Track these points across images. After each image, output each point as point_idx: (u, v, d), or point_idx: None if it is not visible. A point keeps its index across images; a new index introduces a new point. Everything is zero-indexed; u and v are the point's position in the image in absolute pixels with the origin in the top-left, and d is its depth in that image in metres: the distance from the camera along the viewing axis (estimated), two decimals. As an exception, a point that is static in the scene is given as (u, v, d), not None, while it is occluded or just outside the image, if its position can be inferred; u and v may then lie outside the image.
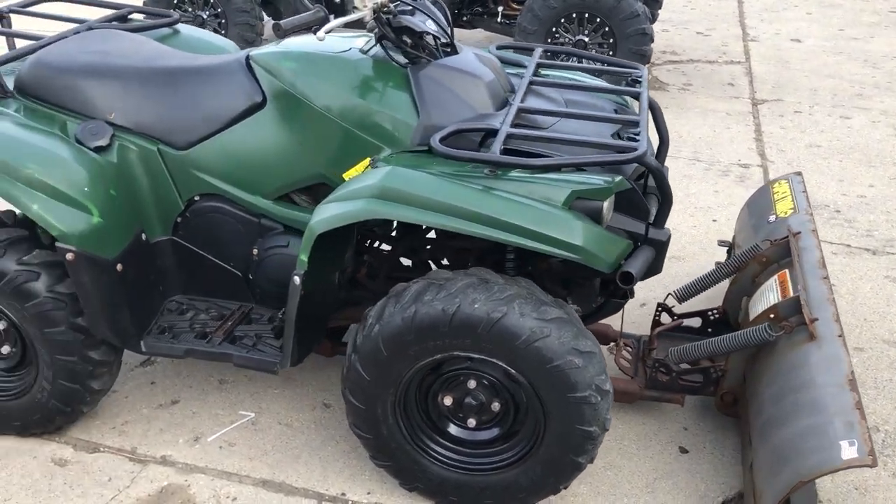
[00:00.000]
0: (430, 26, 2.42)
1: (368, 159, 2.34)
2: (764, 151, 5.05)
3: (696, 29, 7.75)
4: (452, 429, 2.36)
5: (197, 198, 2.59)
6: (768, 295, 2.62)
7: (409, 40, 2.40)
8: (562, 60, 3.51)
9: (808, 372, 2.25)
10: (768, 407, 2.27)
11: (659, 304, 2.92)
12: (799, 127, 5.44)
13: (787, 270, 2.65)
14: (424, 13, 2.44)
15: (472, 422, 2.32)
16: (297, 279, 2.21)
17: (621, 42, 5.41)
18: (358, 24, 2.40)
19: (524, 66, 2.70)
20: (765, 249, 2.75)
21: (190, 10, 5.98)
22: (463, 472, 2.36)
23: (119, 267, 2.43)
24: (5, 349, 2.58)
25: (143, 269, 2.54)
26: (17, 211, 2.78)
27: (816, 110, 5.73)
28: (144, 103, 2.54)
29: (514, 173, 2.17)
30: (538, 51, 2.85)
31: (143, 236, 2.55)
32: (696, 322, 2.90)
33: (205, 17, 6.01)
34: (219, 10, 5.97)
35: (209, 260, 2.64)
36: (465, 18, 6.05)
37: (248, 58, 2.57)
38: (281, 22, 2.14)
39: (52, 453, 2.63)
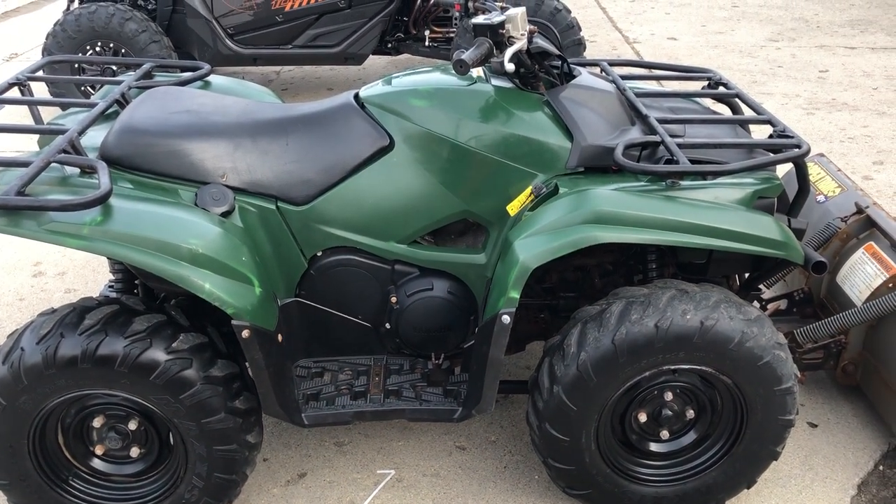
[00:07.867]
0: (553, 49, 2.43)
1: (530, 188, 2.30)
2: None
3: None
4: (651, 445, 2.36)
5: (320, 253, 2.43)
6: (863, 267, 2.82)
7: (536, 65, 2.39)
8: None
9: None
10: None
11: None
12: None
13: (872, 242, 2.85)
14: (543, 35, 2.44)
15: (665, 433, 2.34)
16: (506, 318, 2.12)
17: (557, 53, 5.57)
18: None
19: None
20: (846, 226, 2.94)
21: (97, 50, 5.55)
22: (663, 485, 2.37)
23: (279, 337, 2.25)
24: (134, 451, 2.30)
25: (285, 337, 2.36)
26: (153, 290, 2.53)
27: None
28: (258, 160, 2.36)
29: (690, 181, 2.22)
30: (605, 65, 2.91)
31: (278, 301, 2.37)
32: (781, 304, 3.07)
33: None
34: (122, 50, 5.57)
35: (336, 316, 2.49)
36: (389, 45, 6.01)
37: (356, 99, 2.46)
38: (464, 57, 2.06)
39: (198, 557, 2.37)
